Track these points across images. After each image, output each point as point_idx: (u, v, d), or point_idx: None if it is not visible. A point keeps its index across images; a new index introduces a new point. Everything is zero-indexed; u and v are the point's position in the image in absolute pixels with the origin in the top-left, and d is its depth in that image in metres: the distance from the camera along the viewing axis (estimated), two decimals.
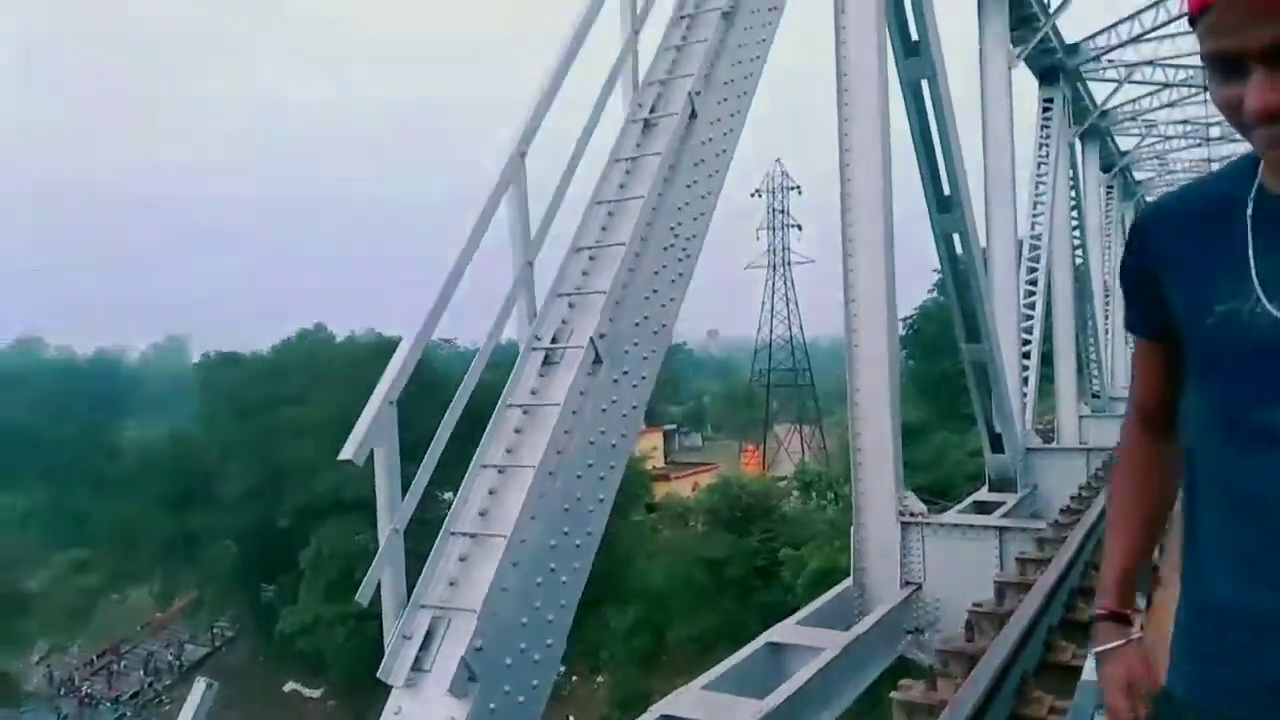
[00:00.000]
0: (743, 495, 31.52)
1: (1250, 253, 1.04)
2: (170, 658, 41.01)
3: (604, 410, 4.19)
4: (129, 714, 38.75)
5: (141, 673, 40.61)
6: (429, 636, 3.41)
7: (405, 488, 3.50)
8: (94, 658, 42.19)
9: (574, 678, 29.36)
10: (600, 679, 29.39)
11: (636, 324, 4.49)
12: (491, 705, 3.33)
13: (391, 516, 3.46)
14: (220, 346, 54.55)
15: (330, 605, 33.63)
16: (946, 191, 10.18)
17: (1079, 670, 3.60)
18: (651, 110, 5.07)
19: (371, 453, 3.44)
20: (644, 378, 4.45)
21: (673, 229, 4.84)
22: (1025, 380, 14.20)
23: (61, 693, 40.68)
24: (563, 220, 4.70)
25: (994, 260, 13.05)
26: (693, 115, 5.05)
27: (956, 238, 10.39)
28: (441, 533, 3.62)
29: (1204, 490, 1.13)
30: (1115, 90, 20.76)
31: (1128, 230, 1.31)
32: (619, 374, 4.32)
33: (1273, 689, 1.02)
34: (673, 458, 55.14)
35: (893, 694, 3.67)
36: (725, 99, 5.33)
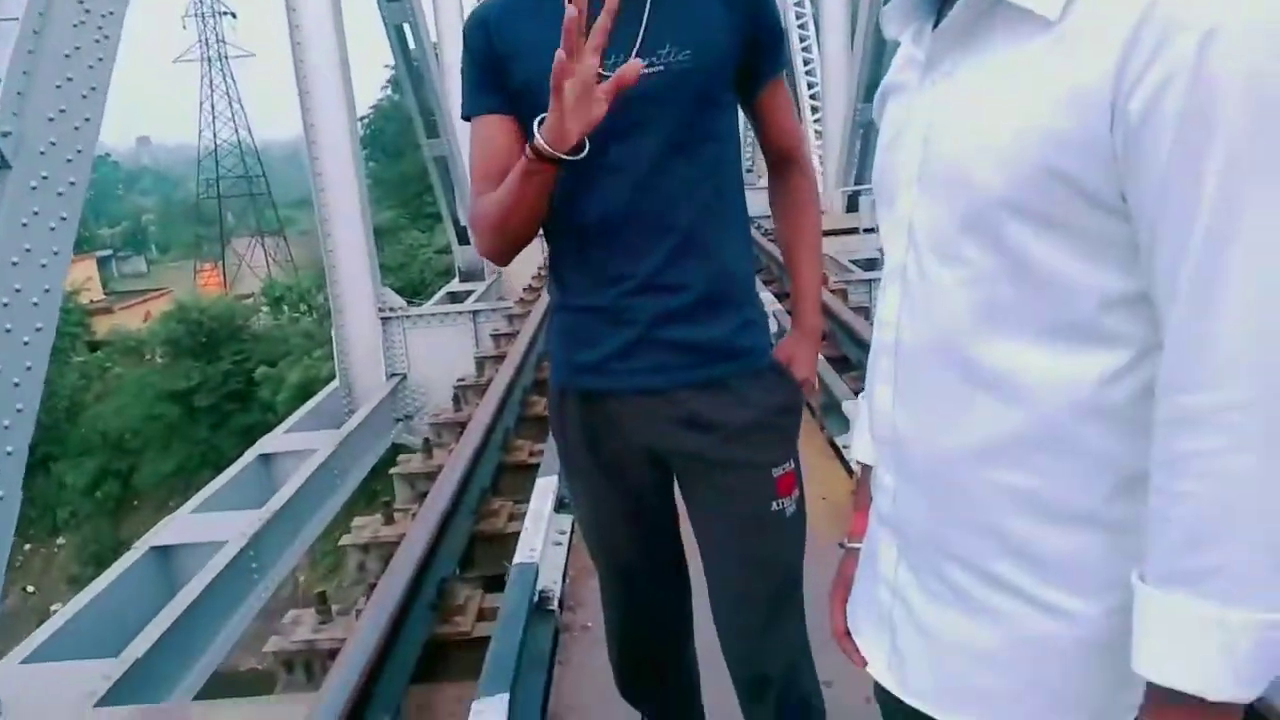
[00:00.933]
0: (204, 319, 29.06)
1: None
2: None
3: (24, 225, 3.54)
4: None
5: None
6: None
7: None
8: None
9: (27, 546, 25.76)
10: (61, 541, 26.19)
11: (51, 119, 3.78)
12: None
13: None
14: None
15: None
16: None
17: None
18: None
19: None
20: (72, 183, 3.82)
21: (82, 3, 4.06)
22: None
23: None
24: None
25: (445, 51, 13.12)
26: None
27: (408, 29, 10.23)
28: None
29: (560, 228, 1.41)
30: None
31: (467, 27, 1.45)
32: (36, 179, 3.65)
33: (609, 357, 1.39)
34: (112, 287, 48.40)
35: (392, 470, 3.90)
36: None
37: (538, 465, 3.74)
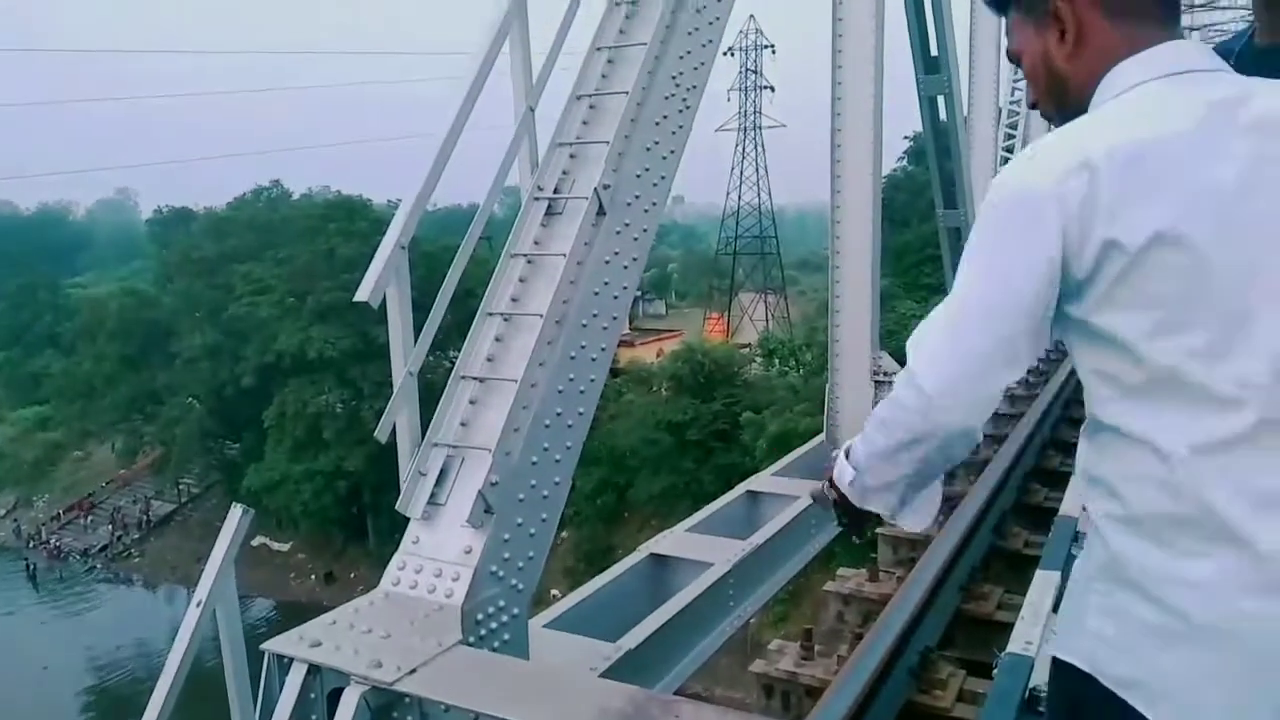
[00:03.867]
0: (706, 362, 32.00)
1: None
2: (138, 513, 41.54)
3: (607, 262, 4.23)
4: (99, 566, 39.54)
5: (109, 527, 41.19)
6: (443, 473, 3.55)
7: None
8: (60, 512, 42.61)
9: None
10: (565, 534, 30.48)
11: (638, 175, 4.47)
12: (505, 536, 3.50)
13: (405, 359, 3.54)
14: (171, 201, 52.83)
15: (298, 463, 34.10)
16: (934, 52, 10.05)
17: (1052, 511, 3.84)
18: None
19: (385, 296, 3.48)
20: (645, 230, 4.47)
21: (674, 79, 4.76)
22: None
23: (30, 545, 41.26)
24: (559, 70, 4.63)
25: (974, 126, 12.98)
26: None
27: (941, 100, 10.32)
28: (451, 377, 3.70)
29: None
30: None
31: None
32: (621, 225, 4.34)
33: None
34: (637, 324, 55.49)
35: (879, 529, 3.91)
36: None
37: (1034, 557, 3.49)
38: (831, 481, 1.60)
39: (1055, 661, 1.39)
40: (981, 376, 1.28)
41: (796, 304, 53.37)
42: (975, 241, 1.29)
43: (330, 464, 33.49)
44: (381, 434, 3.48)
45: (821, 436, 8.27)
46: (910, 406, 1.33)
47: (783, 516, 6.05)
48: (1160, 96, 1.24)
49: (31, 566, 39.53)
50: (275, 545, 36.36)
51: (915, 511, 1.51)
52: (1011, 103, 16.76)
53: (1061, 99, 1.36)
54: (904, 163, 41.89)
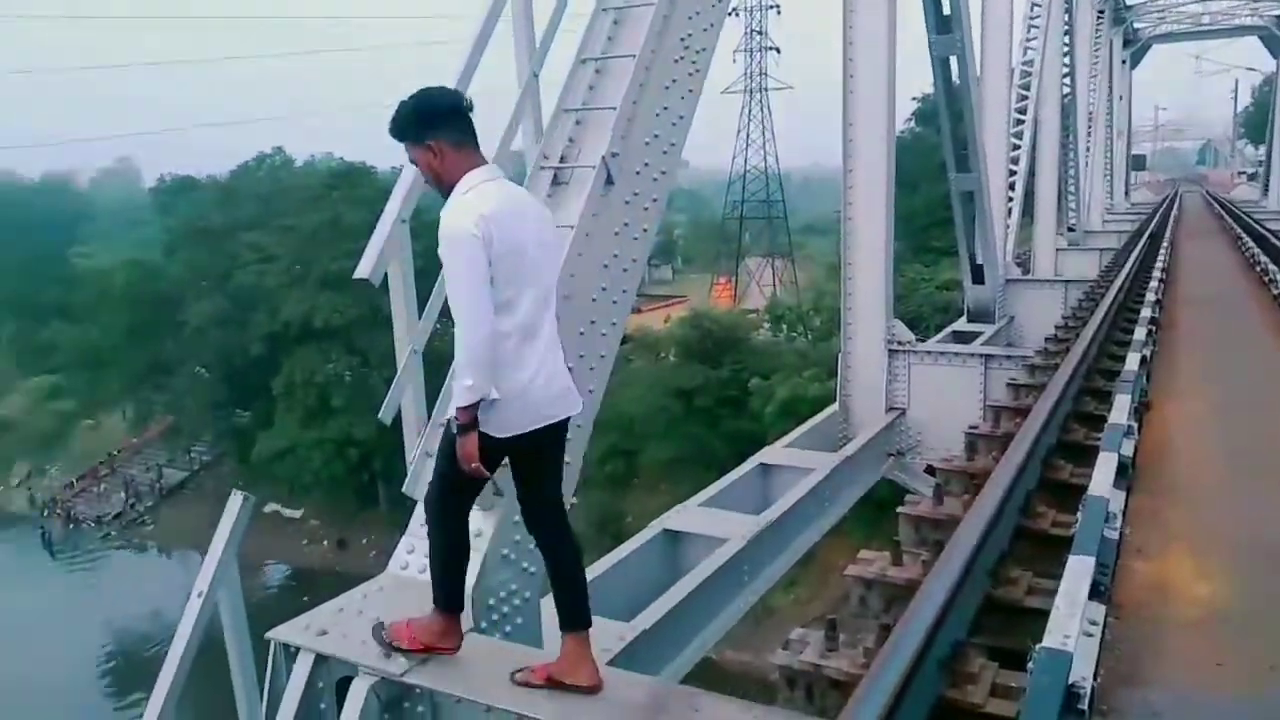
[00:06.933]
0: (714, 328, 31.81)
1: None
2: (150, 480, 41.79)
3: (616, 233, 4.09)
4: (114, 533, 39.86)
5: (123, 495, 41.46)
6: None
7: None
8: (74, 480, 42.90)
9: None
10: (574, 500, 30.48)
11: (647, 142, 4.31)
12: (516, 518, 3.38)
13: (409, 337, 3.42)
14: (173, 170, 52.48)
15: (307, 431, 34.17)
16: (947, 11, 9.77)
17: (1079, 488, 3.73)
18: None
19: (386, 273, 3.35)
20: (655, 200, 4.32)
21: (683, 40, 4.58)
22: (1009, 212, 14.16)
23: (44, 514, 41.58)
24: (562, 32, 4.45)
25: (986, 88, 12.69)
26: None
27: (954, 61, 10.05)
28: None
29: None
30: None
31: None
32: (630, 195, 4.19)
33: None
34: (643, 290, 55.15)
35: (900, 509, 3.79)
36: None
37: (1060, 537, 3.38)
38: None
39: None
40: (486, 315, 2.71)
41: (804, 268, 52.99)
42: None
43: (340, 432, 33.53)
44: (386, 415, 3.37)
45: (834, 406, 8.16)
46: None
47: (796, 490, 5.97)
48: (498, 187, 2.77)
49: (47, 534, 39.89)
50: (287, 512, 36.54)
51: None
52: (1024, 63, 16.41)
53: (440, 186, 2.85)
54: (911, 124, 41.30)
